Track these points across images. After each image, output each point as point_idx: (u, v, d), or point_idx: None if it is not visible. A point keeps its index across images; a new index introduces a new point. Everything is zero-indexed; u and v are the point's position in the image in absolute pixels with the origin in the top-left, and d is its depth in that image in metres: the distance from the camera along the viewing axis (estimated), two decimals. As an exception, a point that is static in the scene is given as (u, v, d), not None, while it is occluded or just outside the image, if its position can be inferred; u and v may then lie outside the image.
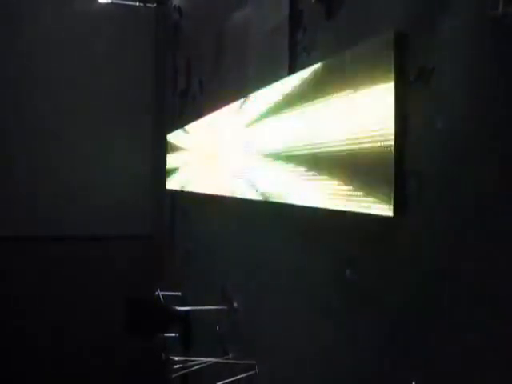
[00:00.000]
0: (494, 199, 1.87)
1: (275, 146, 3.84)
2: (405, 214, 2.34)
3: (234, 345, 5.09)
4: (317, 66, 3.16)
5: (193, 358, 5.17)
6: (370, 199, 2.53)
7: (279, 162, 3.75)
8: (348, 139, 2.74)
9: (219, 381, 4.65)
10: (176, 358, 5.25)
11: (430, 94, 2.21)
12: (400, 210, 2.34)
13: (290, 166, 3.54)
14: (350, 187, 2.72)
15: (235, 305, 5.12)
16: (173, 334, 5.98)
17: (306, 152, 3.29)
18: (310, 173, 3.21)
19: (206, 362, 5.10)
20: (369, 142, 2.54)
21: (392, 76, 2.37)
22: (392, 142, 2.36)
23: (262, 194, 4.10)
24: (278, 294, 4.02)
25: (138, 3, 10.32)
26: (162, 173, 9.38)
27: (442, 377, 2.12)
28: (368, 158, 2.55)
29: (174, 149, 8.39)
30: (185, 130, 7.43)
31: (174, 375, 5.31)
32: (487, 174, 1.90)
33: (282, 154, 3.69)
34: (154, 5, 10.44)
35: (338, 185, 2.85)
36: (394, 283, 2.45)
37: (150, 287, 7.02)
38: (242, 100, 4.69)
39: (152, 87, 10.46)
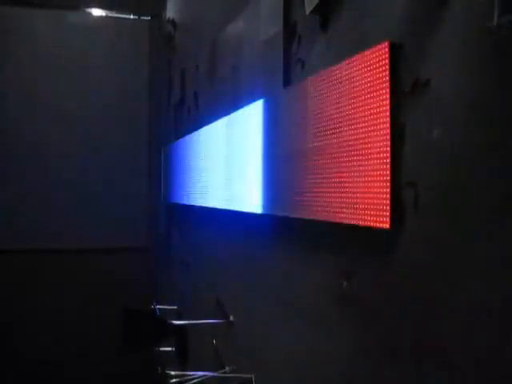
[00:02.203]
0: (492, 210, 1.86)
1: (270, 157, 3.85)
2: (401, 226, 2.33)
3: (231, 358, 5.05)
4: (311, 77, 3.17)
5: (189, 373, 5.12)
6: (366, 211, 2.53)
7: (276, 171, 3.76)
8: (343, 149, 2.74)
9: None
10: (173, 373, 5.20)
11: (425, 104, 2.21)
12: (396, 221, 2.33)
13: (286, 177, 3.54)
14: (346, 198, 2.72)
15: (231, 318, 5.09)
16: (169, 348, 5.93)
17: (301, 160, 3.30)
18: (306, 184, 3.21)
19: (203, 376, 5.06)
20: (364, 154, 2.55)
21: (387, 86, 2.38)
22: (388, 154, 2.36)
23: (261, 205, 4.09)
24: (276, 306, 3.99)
25: (132, 16, 10.39)
26: (158, 185, 9.37)
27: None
28: (363, 168, 2.55)
29: (171, 160, 8.38)
30: (181, 142, 7.43)
31: (170, 390, 5.26)
32: (485, 185, 1.89)
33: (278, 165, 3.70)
34: (149, 17, 10.51)
35: (334, 196, 2.84)
36: (392, 295, 2.43)
37: (146, 300, 7.00)
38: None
39: (147, 99, 10.48)
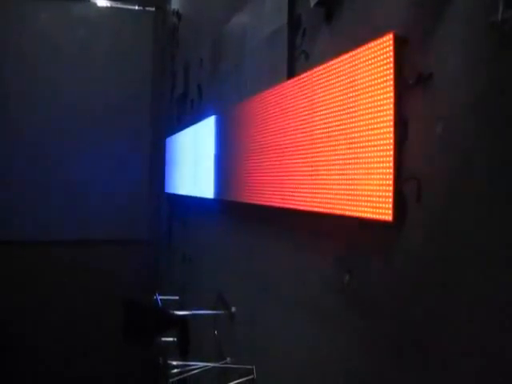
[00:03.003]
0: (494, 203, 1.84)
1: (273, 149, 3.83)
2: (404, 219, 2.32)
3: (232, 349, 5.07)
4: (315, 69, 3.14)
5: (191, 363, 5.14)
6: (369, 204, 2.51)
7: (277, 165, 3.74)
8: (346, 142, 2.73)
9: (217, 386, 4.64)
10: (174, 363, 5.22)
11: (429, 97, 2.19)
12: (399, 214, 2.32)
13: (287, 171, 3.52)
14: (348, 191, 2.70)
15: (233, 309, 5.10)
16: (171, 339, 5.96)
17: (303, 156, 3.28)
18: (307, 177, 3.20)
19: (204, 366, 5.08)
20: (367, 146, 2.53)
21: (392, 79, 2.36)
22: (391, 146, 2.34)
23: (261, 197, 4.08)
24: (277, 298, 3.99)
25: (136, 7, 10.35)
26: (160, 177, 9.37)
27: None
28: (366, 161, 2.53)
29: (172, 153, 8.37)
30: (183, 135, 7.41)
31: (171, 380, 5.29)
32: (488, 179, 1.87)
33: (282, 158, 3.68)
34: (153, 9, 10.46)
35: (335, 188, 2.83)
36: (393, 290, 2.42)
37: (148, 292, 7.01)
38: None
39: (150, 91, 10.45)
